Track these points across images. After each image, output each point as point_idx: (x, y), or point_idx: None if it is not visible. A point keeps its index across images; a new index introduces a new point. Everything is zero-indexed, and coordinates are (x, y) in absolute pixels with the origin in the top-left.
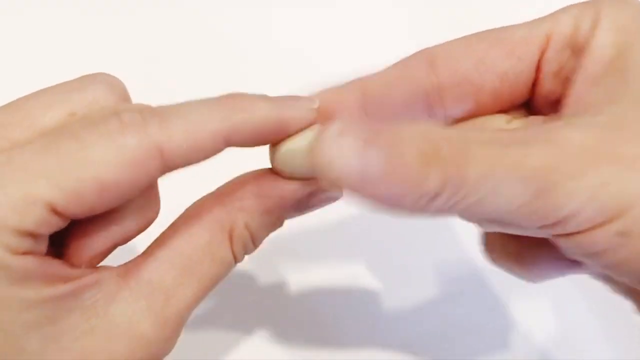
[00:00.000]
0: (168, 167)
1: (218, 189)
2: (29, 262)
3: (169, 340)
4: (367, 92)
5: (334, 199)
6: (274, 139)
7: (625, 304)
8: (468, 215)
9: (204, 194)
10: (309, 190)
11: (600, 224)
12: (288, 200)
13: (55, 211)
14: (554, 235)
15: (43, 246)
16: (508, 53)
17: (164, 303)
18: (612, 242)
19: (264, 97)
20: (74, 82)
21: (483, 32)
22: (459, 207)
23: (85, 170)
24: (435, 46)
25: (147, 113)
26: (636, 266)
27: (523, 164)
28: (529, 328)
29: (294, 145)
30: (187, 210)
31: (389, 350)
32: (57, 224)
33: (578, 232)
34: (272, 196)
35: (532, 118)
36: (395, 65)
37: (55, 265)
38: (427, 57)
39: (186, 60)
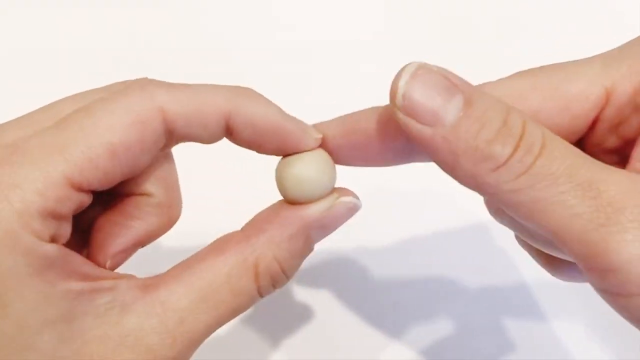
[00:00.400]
0: (171, 130)
1: (244, 226)
2: (52, 251)
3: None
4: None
5: (355, 209)
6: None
7: None
8: (515, 209)
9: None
10: (328, 204)
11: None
12: (309, 220)
13: (73, 184)
14: (589, 274)
15: (66, 230)
16: (562, 109)
17: (177, 323)
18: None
19: (275, 104)
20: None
21: (536, 74)
22: (512, 196)
23: (94, 137)
24: (486, 87)
25: (154, 80)
26: None
27: (594, 183)
28: (529, 328)
29: (299, 172)
30: (213, 242)
31: (389, 351)
32: (78, 200)
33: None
34: (293, 221)
35: None
36: None
37: (76, 259)
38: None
39: (185, 60)
